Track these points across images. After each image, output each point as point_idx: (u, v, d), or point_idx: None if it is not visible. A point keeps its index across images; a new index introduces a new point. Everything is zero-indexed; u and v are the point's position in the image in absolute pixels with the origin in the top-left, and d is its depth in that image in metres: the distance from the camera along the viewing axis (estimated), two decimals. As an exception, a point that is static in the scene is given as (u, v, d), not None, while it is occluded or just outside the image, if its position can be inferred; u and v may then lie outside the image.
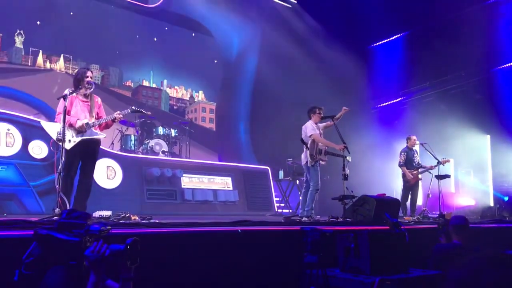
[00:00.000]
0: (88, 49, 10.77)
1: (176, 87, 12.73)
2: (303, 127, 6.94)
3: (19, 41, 10.06)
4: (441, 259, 3.82)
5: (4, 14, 9.57)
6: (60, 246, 2.22)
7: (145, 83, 12.18)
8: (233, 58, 13.19)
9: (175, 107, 12.75)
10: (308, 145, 6.70)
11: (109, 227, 2.39)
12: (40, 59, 10.30)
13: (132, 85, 12.03)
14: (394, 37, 12.13)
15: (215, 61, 13.30)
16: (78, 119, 5.13)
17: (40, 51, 10.33)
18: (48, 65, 10.43)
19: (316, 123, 6.90)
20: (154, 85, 12.50)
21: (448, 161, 8.48)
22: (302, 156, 6.94)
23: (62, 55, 10.51)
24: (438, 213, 7.96)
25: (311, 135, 6.70)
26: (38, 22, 10.22)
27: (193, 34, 12.84)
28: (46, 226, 2.37)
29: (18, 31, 10.05)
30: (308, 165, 6.69)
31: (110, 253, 2.13)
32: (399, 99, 12.02)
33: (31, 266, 2.20)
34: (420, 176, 8.64)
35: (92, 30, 10.48)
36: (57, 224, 2.35)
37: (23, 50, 10.16)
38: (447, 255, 3.81)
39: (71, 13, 10.53)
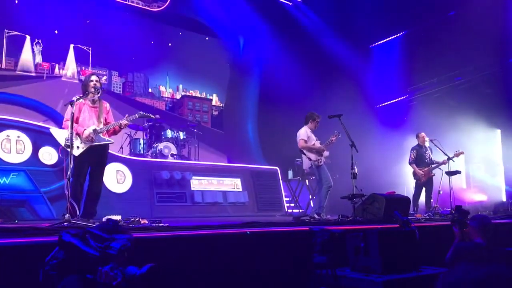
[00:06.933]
0: (105, 56, 10.88)
1: (191, 91, 12.77)
2: (297, 133, 7.09)
3: (37, 50, 10.14)
4: (461, 258, 3.74)
5: (20, 22, 9.66)
6: (80, 256, 2.18)
7: (162, 88, 12.20)
8: (239, 59, 13.20)
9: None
10: (306, 151, 6.93)
11: (131, 240, 2.30)
12: (54, 67, 10.38)
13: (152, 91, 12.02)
14: (396, 35, 11.96)
15: (228, 64, 13.33)
16: (84, 128, 5.17)
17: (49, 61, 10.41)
18: (61, 72, 10.50)
19: (311, 130, 7.12)
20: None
21: (462, 153, 8.39)
22: (304, 162, 7.11)
23: (73, 62, 10.57)
24: (449, 209, 7.88)
25: (301, 139, 6.94)
26: (56, 31, 10.32)
27: (207, 38, 12.87)
28: (72, 232, 2.31)
29: (36, 40, 10.13)
30: (314, 167, 6.91)
31: (123, 279, 2.00)
32: (407, 96, 11.92)
33: (54, 268, 2.18)
34: (433, 172, 8.57)
35: (108, 37, 10.57)
36: (83, 232, 2.30)
37: (41, 59, 10.22)
38: (469, 254, 3.74)
39: (87, 21, 10.65)
